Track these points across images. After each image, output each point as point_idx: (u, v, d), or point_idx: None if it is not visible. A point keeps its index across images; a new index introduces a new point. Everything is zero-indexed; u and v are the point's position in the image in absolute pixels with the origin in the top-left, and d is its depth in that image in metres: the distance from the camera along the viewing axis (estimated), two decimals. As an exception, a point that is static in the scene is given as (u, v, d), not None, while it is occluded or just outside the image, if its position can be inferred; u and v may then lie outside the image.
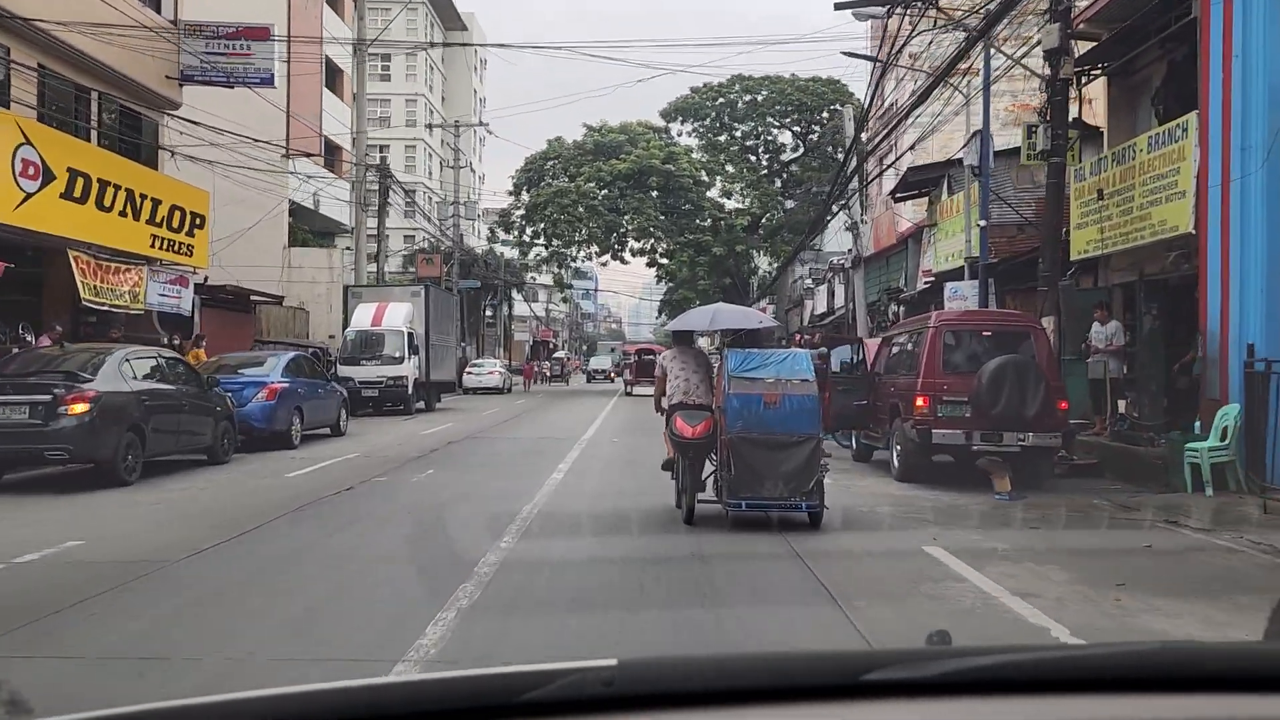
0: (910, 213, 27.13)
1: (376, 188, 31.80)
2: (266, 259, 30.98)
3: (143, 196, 18.27)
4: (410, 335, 25.92)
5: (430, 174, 64.27)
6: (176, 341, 18.12)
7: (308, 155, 31.25)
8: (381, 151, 64.93)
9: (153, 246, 18.76)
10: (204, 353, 18.08)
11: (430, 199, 57.59)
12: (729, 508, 8.27)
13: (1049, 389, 11.04)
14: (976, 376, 11.07)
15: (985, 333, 11.72)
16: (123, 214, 17.68)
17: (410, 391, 25.53)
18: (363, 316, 26.05)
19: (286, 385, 16.10)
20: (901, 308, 26.43)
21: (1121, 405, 14.00)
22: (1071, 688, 1.25)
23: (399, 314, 26.04)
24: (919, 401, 11.36)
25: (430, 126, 55.67)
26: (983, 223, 18.42)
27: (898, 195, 25.83)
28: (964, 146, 18.97)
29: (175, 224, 19.50)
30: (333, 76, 40.46)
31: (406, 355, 25.43)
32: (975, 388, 11.03)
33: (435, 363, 27.58)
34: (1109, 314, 14.02)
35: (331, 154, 38.37)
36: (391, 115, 64.06)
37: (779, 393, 8.28)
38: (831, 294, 36.18)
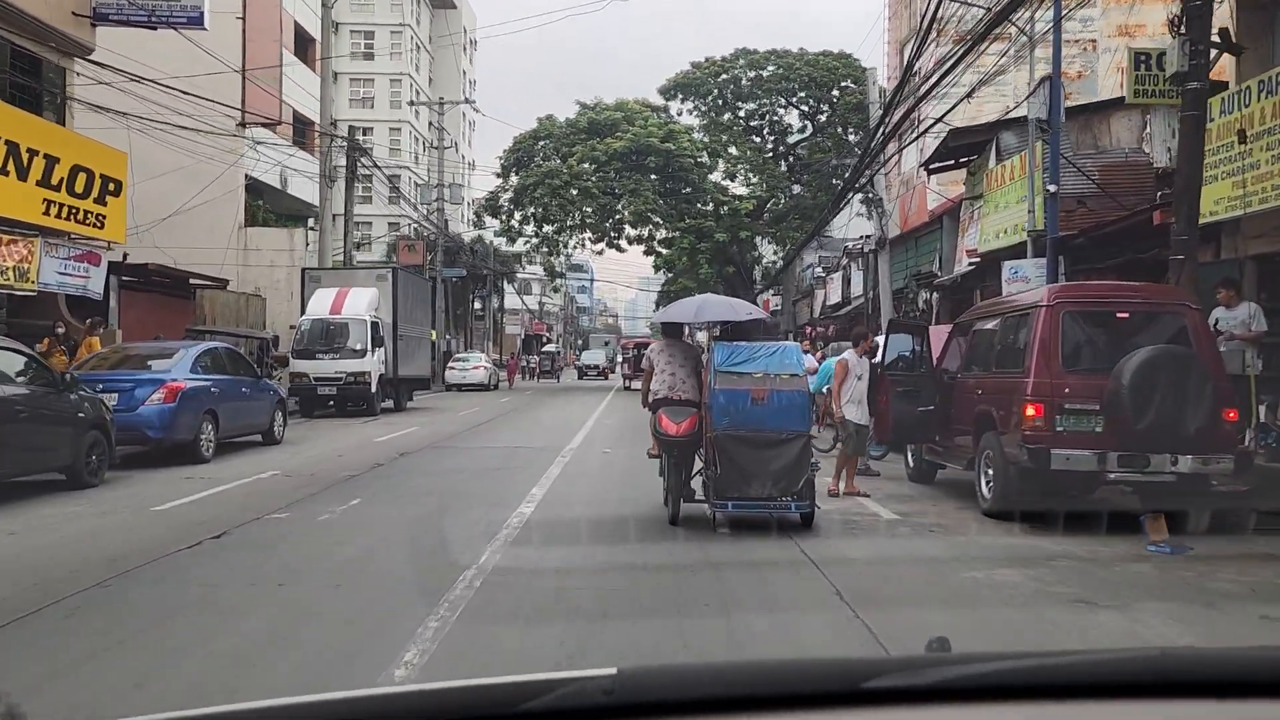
0: (939, 186, 23.89)
1: (345, 161, 28.48)
2: (219, 239, 27.76)
3: (31, 153, 14.98)
4: (375, 325, 22.65)
5: (416, 159, 60.93)
6: (61, 330, 14.82)
7: (267, 125, 27.93)
8: (364, 134, 61.83)
9: (47, 214, 15.47)
10: (99, 341, 14.78)
11: (413, 183, 54.33)
12: (715, 509, 7.94)
13: (1216, 393, 7.82)
14: (1113, 375, 7.85)
15: (1121, 314, 8.46)
16: (2, 172, 14.40)
17: (374, 389, 22.26)
18: (320, 303, 22.75)
19: (196, 383, 12.83)
20: (935, 294, 23.20)
21: (1261, 411, 10.78)
22: (1071, 694, 1.23)
23: (362, 300, 22.75)
24: (1029, 410, 8.11)
25: (413, 104, 52.27)
26: (1053, 188, 15.22)
27: (932, 166, 22.57)
28: (1030, 94, 15.72)
29: (79, 189, 16.19)
30: (304, 46, 36.97)
31: (370, 348, 22.15)
32: (1113, 390, 7.80)
33: (405, 356, 24.29)
34: (1238, 294, 10.79)
35: (302, 130, 34.74)
36: (375, 96, 60.79)
37: (767, 388, 7.88)
38: (847, 282, 32.93)
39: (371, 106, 60.97)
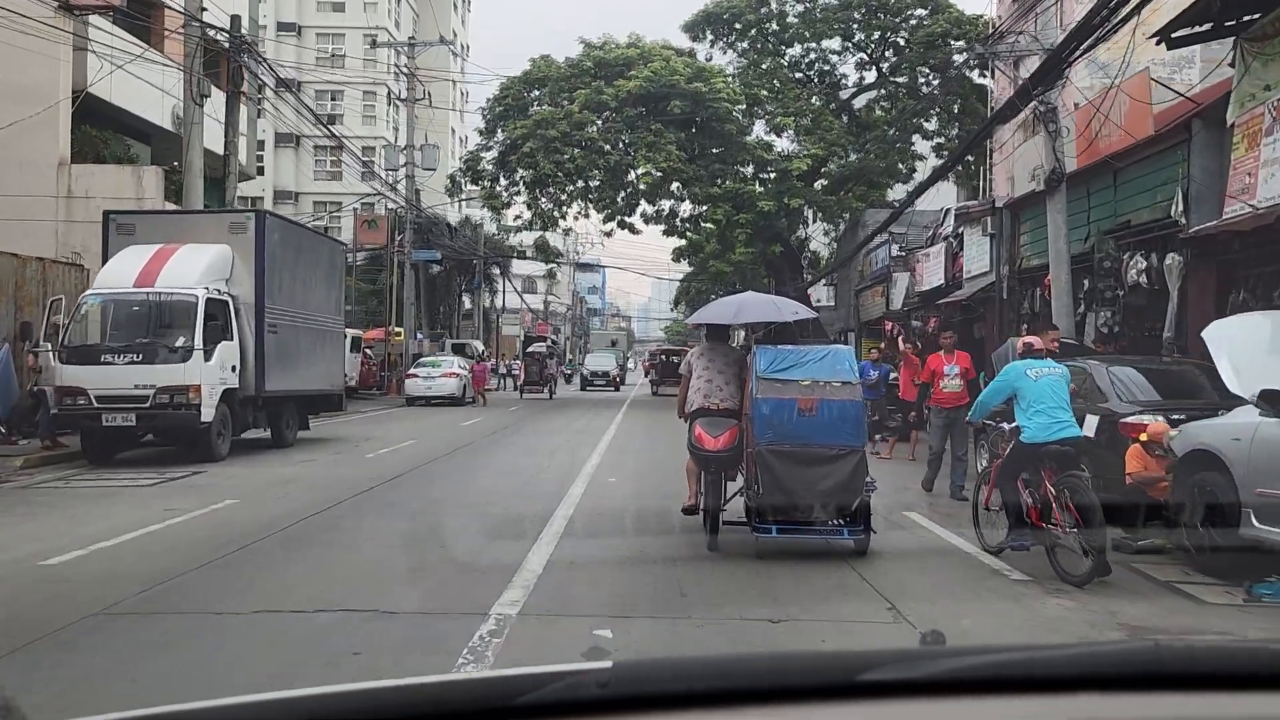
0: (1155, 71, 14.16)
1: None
2: (34, 182, 18.42)
3: None
4: (220, 305, 13.19)
5: (397, 130, 51.50)
6: None
7: (105, 6, 18.42)
8: (333, 99, 52.45)
9: None
10: None
11: (380, 150, 44.73)
12: (758, 533, 7.12)
13: None
14: None
15: None
16: None
17: (210, 418, 12.72)
18: (123, 268, 13.23)
19: None
20: (1173, 258, 13.48)
21: None
22: (1065, 686, 1.21)
23: (195, 264, 13.24)
24: None
25: (376, 44, 42.64)
26: None
27: (1175, 35, 12.84)
28: None
29: None
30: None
31: (199, 344, 12.65)
32: None
33: (283, 359, 14.65)
34: None
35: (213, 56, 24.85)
36: (346, 54, 51.41)
37: (816, 397, 7.07)
38: (952, 258, 23.24)
39: (342, 66, 51.47)
